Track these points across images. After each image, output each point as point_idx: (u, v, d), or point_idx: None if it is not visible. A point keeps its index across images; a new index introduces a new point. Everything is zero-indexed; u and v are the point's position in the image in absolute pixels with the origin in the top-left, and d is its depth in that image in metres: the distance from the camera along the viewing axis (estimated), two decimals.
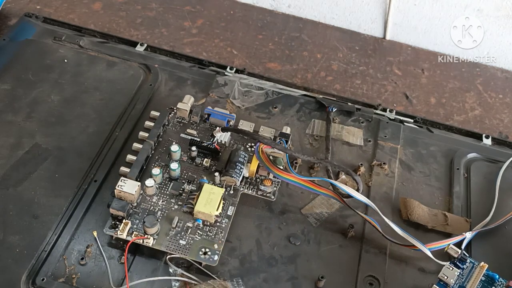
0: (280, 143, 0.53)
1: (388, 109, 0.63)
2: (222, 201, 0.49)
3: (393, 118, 0.62)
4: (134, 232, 0.47)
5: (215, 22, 0.75)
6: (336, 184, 0.50)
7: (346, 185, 0.50)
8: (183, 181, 0.51)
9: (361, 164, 0.56)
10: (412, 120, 0.62)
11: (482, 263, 0.46)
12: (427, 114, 0.66)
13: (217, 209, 0.48)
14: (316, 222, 0.51)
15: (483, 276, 0.46)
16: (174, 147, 0.52)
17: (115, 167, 0.52)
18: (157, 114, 0.56)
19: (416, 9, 0.76)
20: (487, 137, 0.62)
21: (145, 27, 0.72)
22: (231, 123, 0.57)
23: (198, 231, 0.48)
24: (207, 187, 0.49)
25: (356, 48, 0.74)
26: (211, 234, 0.48)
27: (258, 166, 0.52)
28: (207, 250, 0.46)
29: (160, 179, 0.51)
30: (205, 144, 0.53)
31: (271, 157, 0.52)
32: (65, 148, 0.54)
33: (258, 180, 0.53)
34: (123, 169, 0.51)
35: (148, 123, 0.55)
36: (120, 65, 0.63)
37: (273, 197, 0.52)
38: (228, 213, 0.50)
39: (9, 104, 0.57)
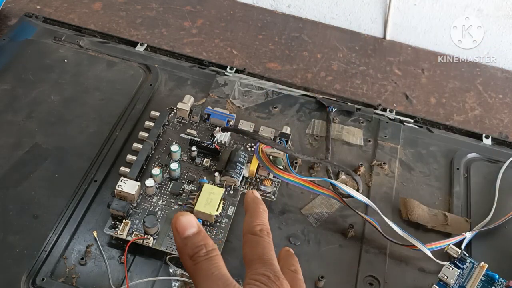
0: (280, 143, 0.53)
1: (388, 109, 0.63)
2: (222, 201, 0.49)
3: (393, 118, 0.62)
4: (134, 232, 0.47)
5: (215, 22, 0.75)
6: (336, 184, 0.50)
7: (346, 185, 0.50)
8: (183, 181, 0.51)
9: (361, 164, 0.56)
10: (412, 120, 0.62)
11: (482, 263, 0.46)
12: (427, 114, 0.66)
13: (217, 209, 0.48)
14: (316, 222, 0.51)
15: (483, 276, 0.46)
16: (174, 147, 0.52)
17: (115, 167, 0.52)
18: (157, 114, 0.56)
19: (416, 9, 0.76)
20: (487, 137, 0.62)
21: (145, 27, 0.72)
22: (231, 123, 0.57)
23: None
24: (207, 187, 0.49)
25: (356, 48, 0.74)
26: (211, 234, 0.48)
27: (258, 166, 0.53)
28: None
29: (160, 179, 0.51)
30: (205, 144, 0.53)
31: (271, 157, 0.52)
32: (65, 148, 0.54)
33: (258, 180, 0.53)
34: (123, 169, 0.51)
35: (148, 123, 0.55)
36: (120, 65, 0.63)
37: (273, 197, 0.52)
38: (228, 213, 0.50)
39: (9, 104, 0.57)
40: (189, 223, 0.30)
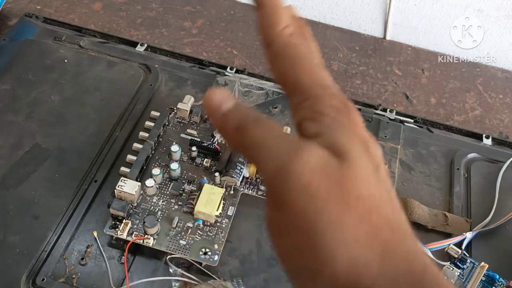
0: None
1: (388, 109, 0.63)
2: (222, 201, 0.49)
3: (393, 118, 0.62)
4: (134, 232, 0.47)
5: (215, 22, 0.75)
6: None
7: None
8: (183, 181, 0.51)
9: None
10: (412, 120, 0.62)
11: (483, 263, 0.46)
12: (427, 114, 0.66)
13: (217, 209, 0.48)
14: None
15: (483, 276, 0.46)
16: (174, 147, 0.52)
17: (115, 167, 0.52)
18: (157, 114, 0.56)
19: (416, 9, 0.76)
20: (487, 137, 0.62)
21: (145, 27, 0.72)
22: None
23: (198, 231, 0.48)
24: (207, 187, 0.49)
25: (356, 48, 0.74)
26: (211, 234, 0.48)
27: None
28: (207, 250, 0.46)
29: (160, 179, 0.51)
30: (205, 144, 0.53)
31: None
32: (65, 148, 0.54)
33: (258, 180, 0.53)
34: (123, 169, 0.51)
35: (148, 123, 0.55)
36: (120, 65, 0.63)
37: None
38: (228, 213, 0.50)
39: (9, 104, 0.57)
40: (224, 96, 0.23)
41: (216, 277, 0.46)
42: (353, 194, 0.19)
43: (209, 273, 0.46)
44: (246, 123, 0.22)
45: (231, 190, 0.52)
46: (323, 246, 0.19)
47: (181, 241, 0.47)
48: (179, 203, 0.50)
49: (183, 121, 0.57)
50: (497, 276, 0.46)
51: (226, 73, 0.64)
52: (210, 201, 0.48)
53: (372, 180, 0.20)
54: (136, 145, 0.53)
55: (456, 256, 0.47)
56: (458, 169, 0.57)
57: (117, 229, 0.47)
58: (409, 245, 0.20)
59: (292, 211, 0.19)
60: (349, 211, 0.19)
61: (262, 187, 0.52)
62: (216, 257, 0.46)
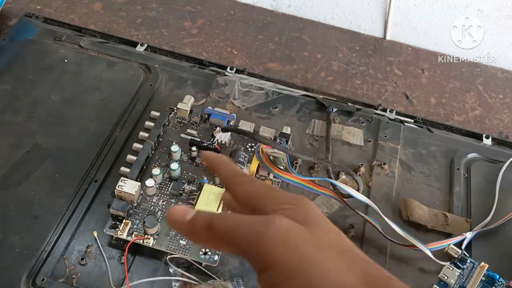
0: (280, 143, 0.53)
1: (388, 109, 0.63)
2: (222, 201, 0.49)
3: (393, 118, 0.62)
4: (134, 232, 0.47)
5: (215, 22, 0.75)
6: (337, 184, 0.50)
7: (347, 185, 0.50)
8: (183, 181, 0.51)
9: (361, 164, 0.56)
10: (412, 120, 0.62)
11: (483, 263, 0.47)
12: (427, 114, 0.66)
13: (217, 209, 0.48)
14: None
15: (483, 276, 0.46)
16: (174, 147, 0.52)
17: (115, 167, 0.52)
18: (157, 114, 0.56)
19: (416, 9, 0.76)
20: (487, 137, 0.62)
21: (145, 27, 0.72)
22: (231, 123, 0.57)
23: None
24: (207, 187, 0.49)
25: (356, 48, 0.74)
26: None
27: (258, 166, 0.52)
28: (207, 250, 0.46)
29: (160, 179, 0.51)
30: (205, 144, 0.53)
31: (271, 157, 0.52)
32: (65, 148, 0.54)
33: (258, 179, 0.53)
34: (123, 169, 0.51)
35: (148, 123, 0.55)
36: (120, 65, 0.63)
37: None
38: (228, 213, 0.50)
39: (9, 104, 0.57)
40: (184, 209, 0.28)
41: (216, 277, 0.46)
42: (325, 240, 0.25)
43: (209, 273, 0.46)
44: (214, 218, 0.27)
45: None
46: (314, 279, 0.23)
47: (181, 241, 0.47)
48: (179, 203, 0.50)
49: (183, 121, 0.57)
50: (497, 276, 0.46)
51: (226, 73, 0.64)
52: (210, 201, 0.48)
53: (336, 235, 0.26)
54: (136, 145, 0.53)
55: (456, 256, 0.47)
56: (458, 169, 0.57)
57: (117, 229, 0.47)
58: (384, 273, 0.25)
59: (279, 264, 0.24)
60: (325, 250, 0.24)
61: None
62: (216, 257, 0.46)
